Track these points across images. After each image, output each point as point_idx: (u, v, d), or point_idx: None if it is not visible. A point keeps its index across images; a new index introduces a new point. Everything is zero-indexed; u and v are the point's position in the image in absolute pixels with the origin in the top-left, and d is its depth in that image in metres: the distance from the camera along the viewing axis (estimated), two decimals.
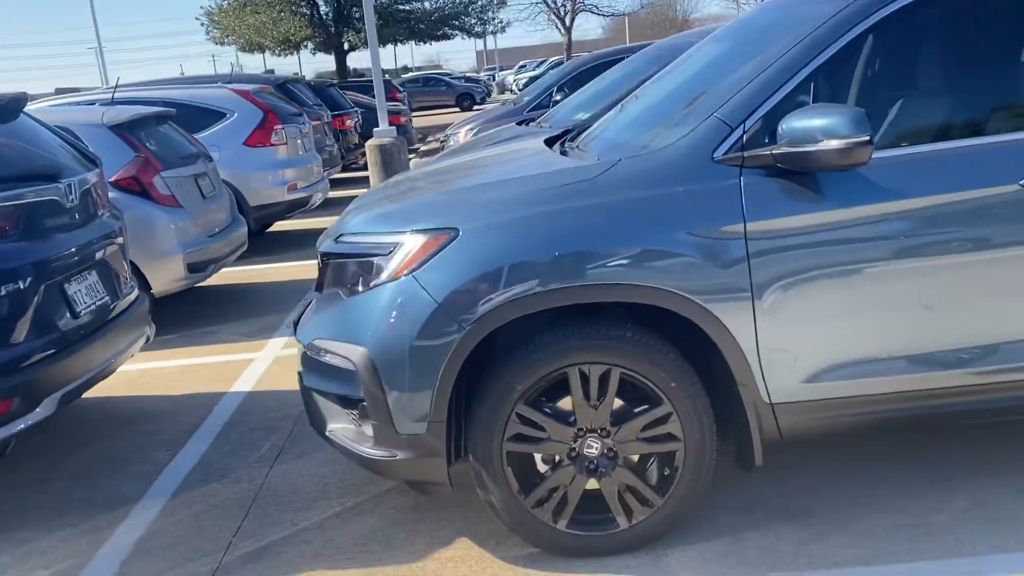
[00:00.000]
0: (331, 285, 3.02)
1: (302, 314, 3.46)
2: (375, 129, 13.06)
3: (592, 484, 2.75)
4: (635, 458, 2.77)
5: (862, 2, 2.66)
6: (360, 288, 2.83)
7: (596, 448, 2.73)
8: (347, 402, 2.90)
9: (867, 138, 2.36)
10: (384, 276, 2.73)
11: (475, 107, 35.77)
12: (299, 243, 8.95)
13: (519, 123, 6.69)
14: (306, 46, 28.23)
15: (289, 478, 3.59)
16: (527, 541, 2.85)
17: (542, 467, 2.80)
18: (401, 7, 27.29)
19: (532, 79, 38.84)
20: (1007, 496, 2.94)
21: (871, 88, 2.78)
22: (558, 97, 10.31)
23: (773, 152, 2.53)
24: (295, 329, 3.38)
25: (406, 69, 66.92)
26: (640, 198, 2.62)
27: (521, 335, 2.67)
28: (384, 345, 2.69)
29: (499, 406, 2.68)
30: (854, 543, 2.78)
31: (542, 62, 43.40)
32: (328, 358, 2.89)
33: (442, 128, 25.70)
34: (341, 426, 2.97)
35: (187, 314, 6.28)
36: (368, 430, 2.82)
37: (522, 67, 51.93)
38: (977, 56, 2.71)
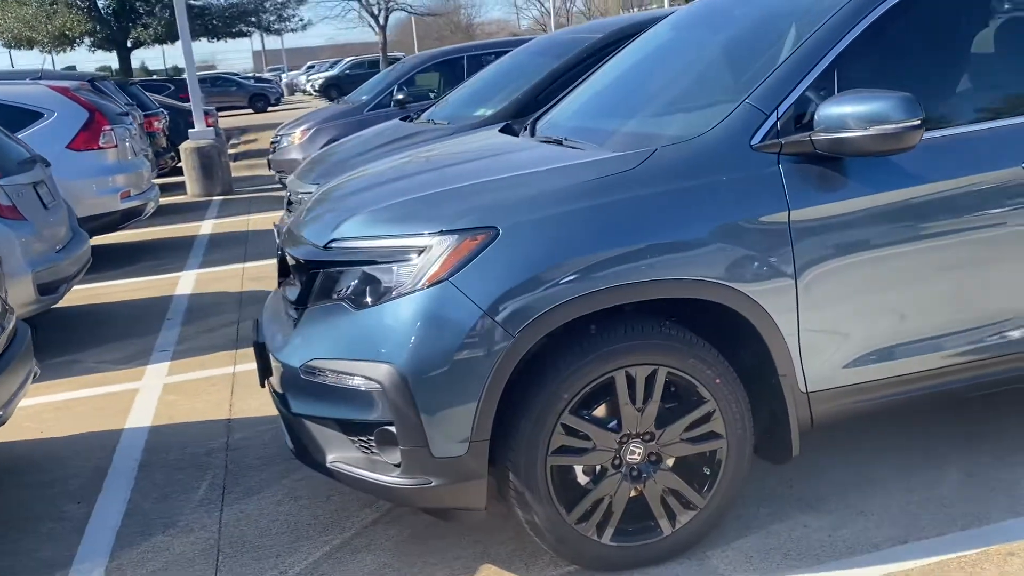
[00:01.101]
0: (325, 297, 2.67)
1: (262, 331, 3.07)
2: (191, 131, 12.17)
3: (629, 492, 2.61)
4: (676, 460, 2.65)
5: None
6: (373, 299, 2.52)
7: (639, 453, 2.58)
8: (358, 428, 2.57)
9: (919, 121, 2.39)
10: (411, 283, 2.44)
11: (269, 108, 34.31)
12: (134, 257, 8.10)
13: (403, 119, 6.38)
14: (82, 42, 25.65)
15: (250, 520, 3.15)
16: (569, 559, 2.65)
17: (582, 479, 2.61)
18: (193, 2, 25.50)
19: (330, 80, 37.94)
20: (993, 466, 3.11)
21: (897, 69, 2.83)
22: (399, 96, 10.05)
23: (813, 138, 2.50)
24: (260, 348, 2.98)
25: (177, 70, 62.97)
26: (686, 188, 2.51)
27: (564, 340, 2.47)
28: (419, 360, 2.39)
29: (545, 418, 2.47)
30: (880, 523, 2.82)
31: (336, 62, 42.38)
32: (334, 380, 2.54)
33: (242, 130, 24.49)
34: (347, 455, 2.63)
35: (37, 342, 5.44)
36: (392, 456, 2.51)
37: (311, 68, 50.49)
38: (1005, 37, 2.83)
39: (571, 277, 2.39)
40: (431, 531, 2.95)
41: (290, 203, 5.57)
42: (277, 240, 5.66)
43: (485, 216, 2.44)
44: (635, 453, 2.58)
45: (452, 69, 10.74)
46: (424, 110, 6.37)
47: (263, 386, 3.10)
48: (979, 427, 3.36)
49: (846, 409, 2.74)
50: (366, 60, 38.46)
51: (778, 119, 2.57)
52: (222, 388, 4.52)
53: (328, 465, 2.66)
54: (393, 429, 2.48)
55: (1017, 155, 2.69)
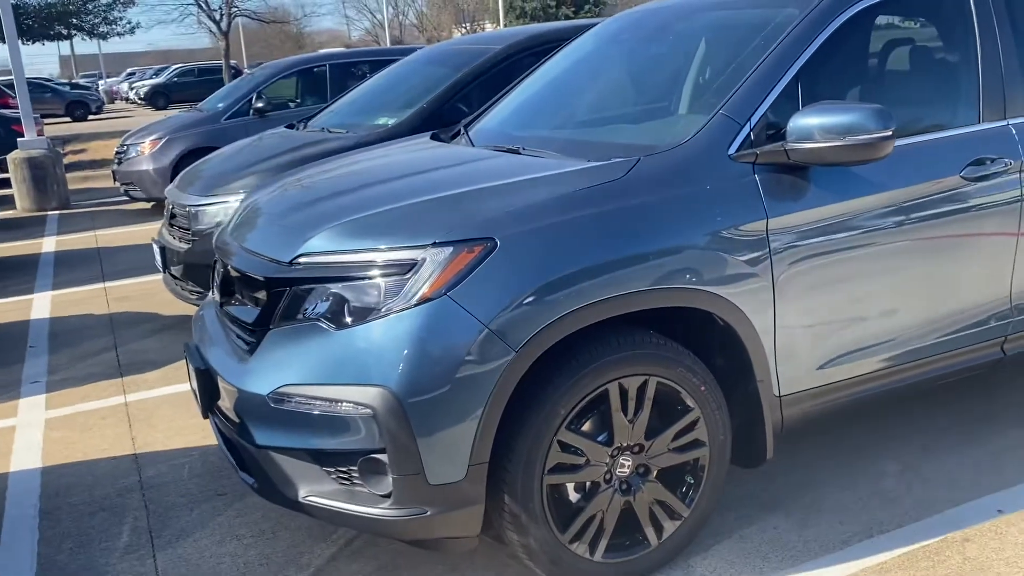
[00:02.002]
0: (292, 317, 2.46)
1: (203, 356, 2.81)
2: (21, 140, 11.17)
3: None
4: (662, 470, 2.63)
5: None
6: (356, 317, 2.35)
7: (628, 466, 2.55)
8: (337, 458, 2.38)
9: (891, 132, 2.49)
10: (404, 299, 2.29)
11: (90, 117, 31.98)
12: None
13: (286, 126, 6.07)
14: None
15: (191, 565, 2.86)
16: None
17: (573, 496, 2.54)
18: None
19: (157, 88, 35.83)
20: (922, 457, 3.30)
21: (853, 82, 2.95)
22: (260, 104, 9.62)
23: (787, 148, 2.56)
24: (204, 376, 2.72)
25: None
26: (675, 197, 2.50)
27: (560, 354, 2.40)
28: (415, 382, 2.25)
29: (542, 436, 2.38)
30: (842, 520, 2.91)
31: (161, 69, 40.08)
32: (311, 407, 2.35)
33: (65, 140, 22.65)
34: (323, 488, 2.43)
35: None
36: (380, 487, 2.34)
37: (131, 75, 47.55)
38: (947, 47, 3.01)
39: (571, 288, 2.32)
40: (400, 562, 2.79)
41: (174, 216, 5.17)
42: (157, 257, 5.25)
43: (481, 227, 2.33)
44: (624, 466, 2.54)
45: (313, 78, 10.41)
46: (308, 118, 6.09)
47: (207, 417, 2.83)
48: (896, 421, 3.56)
49: (814, 411, 2.83)
50: (196, 67, 36.63)
51: (751, 129, 2.62)
52: (116, 421, 4.11)
53: (301, 500, 2.45)
54: (382, 457, 2.31)
55: (956, 163, 2.88)
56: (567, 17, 52.40)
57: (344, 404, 2.31)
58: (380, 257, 2.36)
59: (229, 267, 2.81)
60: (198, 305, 4.98)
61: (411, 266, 2.31)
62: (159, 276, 5.44)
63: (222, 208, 4.84)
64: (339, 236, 2.47)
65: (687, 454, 2.62)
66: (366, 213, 2.54)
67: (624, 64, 3.48)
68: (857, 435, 3.47)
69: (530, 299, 2.29)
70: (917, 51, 3.06)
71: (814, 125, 2.52)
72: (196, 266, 4.90)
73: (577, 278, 2.33)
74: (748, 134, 2.61)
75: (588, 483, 2.52)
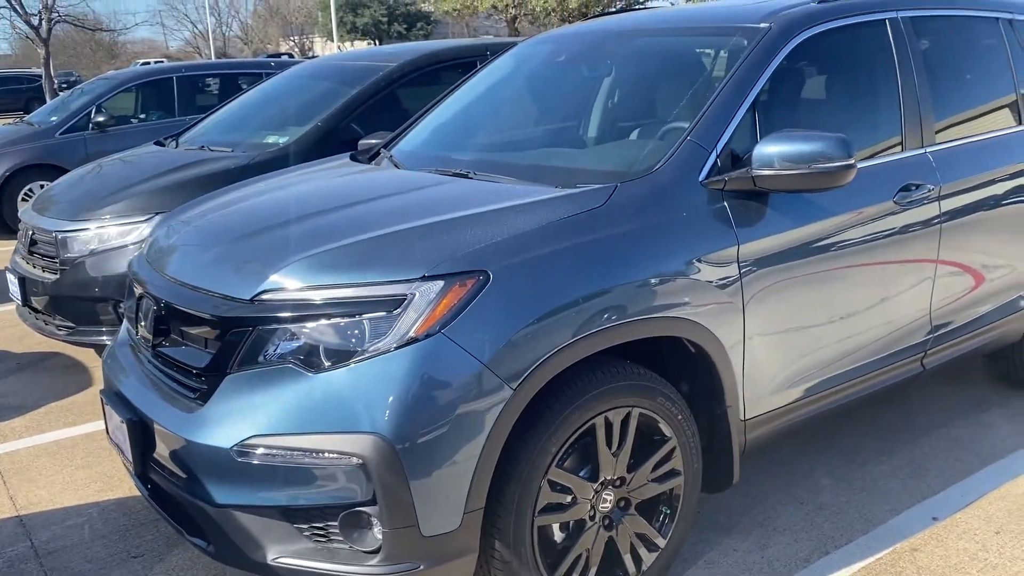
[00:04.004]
0: (253, 360, 2.22)
1: (133, 406, 2.50)
2: None
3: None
4: (641, 502, 2.58)
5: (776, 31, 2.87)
6: (335, 359, 2.15)
7: (610, 500, 2.48)
8: (312, 514, 2.17)
9: (852, 160, 2.56)
10: (393, 338, 2.11)
11: None
12: None
13: (156, 143, 5.59)
14: None
15: None
16: None
17: (558, 536, 2.43)
18: None
19: None
20: (849, 468, 3.43)
21: (805, 111, 3.02)
22: (100, 118, 8.93)
23: (754, 175, 2.58)
24: (139, 428, 2.43)
25: None
26: (656, 224, 2.46)
27: (549, 390, 2.29)
28: (410, 427, 2.08)
29: (534, 476, 2.27)
30: (796, 538, 2.97)
31: None
32: (286, 459, 2.13)
33: None
34: (295, 547, 2.21)
35: None
36: (367, 542, 2.15)
37: None
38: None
39: (567, 320, 2.23)
40: None
41: (34, 243, 4.63)
42: (14, 288, 4.69)
43: (472, 259, 2.19)
44: (607, 500, 2.47)
45: (159, 91, 9.74)
46: (177, 135, 5.65)
47: (139, 474, 2.51)
48: (817, 434, 3.69)
49: (772, 431, 2.87)
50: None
51: (718, 156, 2.62)
52: None
53: (270, 563, 2.21)
54: (368, 510, 2.13)
55: (890, 189, 3.02)
56: (399, 33, 52.42)
57: (327, 454, 2.10)
58: (362, 293, 2.17)
59: (161, 303, 2.51)
60: (67, 341, 4.53)
61: (399, 302, 2.14)
62: (8, 307, 4.87)
63: (96, 235, 4.38)
64: (311, 270, 2.26)
65: (664, 484, 2.58)
66: (337, 244, 2.33)
67: (560, 86, 3.43)
68: (787, 450, 3.57)
69: (526, 333, 2.17)
70: (851, 81, 3.19)
71: (779, 153, 2.56)
72: (65, 299, 4.42)
73: (572, 309, 2.25)
74: (716, 161, 2.61)
75: (572, 521, 2.43)
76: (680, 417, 2.56)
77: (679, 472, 2.60)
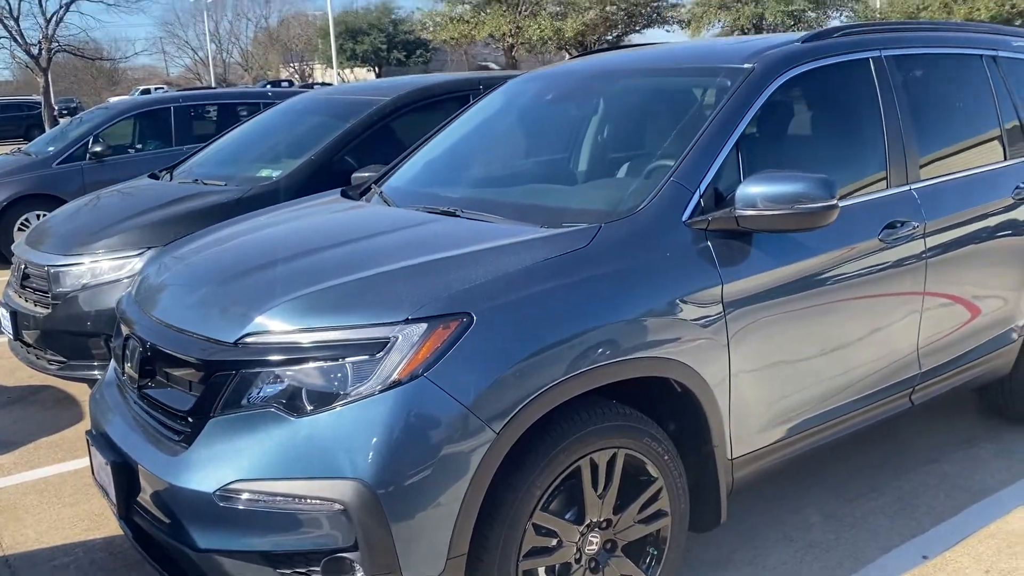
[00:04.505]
0: (236, 404, 2.22)
1: (118, 447, 2.50)
2: None
3: None
4: (627, 543, 2.57)
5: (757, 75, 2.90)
6: (317, 403, 2.15)
7: (597, 542, 2.47)
8: (296, 559, 2.16)
9: (836, 201, 2.58)
10: (376, 381, 2.12)
11: None
12: None
13: (150, 176, 5.61)
14: None
15: None
16: None
17: None
18: None
19: None
20: (840, 505, 3.42)
21: (788, 150, 3.04)
22: (97, 148, 8.98)
23: (737, 215, 2.60)
24: (123, 471, 2.42)
25: None
26: (640, 264, 2.48)
27: (534, 433, 2.29)
28: (393, 473, 2.08)
29: (519, 519, 2.27)
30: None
31: None
32: (268, 504, 2.12)
33: None
34: None
35: None
36: None
37: None
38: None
39: (550, 362, 2.24)
40: None
41: (27, 277, 4.64)
42: (5, 320, 4.69)
43: (455, 301, 2.20)
44: (593, 543, 2.46)
45: (156, 121, 9.80)
46: (171, 167, 5.68)
47: (123, 517, 2.50)
48: (806, 470, 3.67)
49: (761, 470, 2.86)
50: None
51: (701, 196, 2.64)
52: None
53: None
54: (351, 556, 2.12)
55: (875, 227, 3.03)
56: (399, 61, 52.83)
57: (309, 500, 2.10)
58: (345, 336, 2.18)
59: (147, 345, 2.51)
60: (59, 376, 4.53)
61: (382, 345, 2.15)
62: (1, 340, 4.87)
63: (88, 269, 4.40)
64: (294, 313, 2.27)
65: (651, 525, 2.57)
66: (321, 286, 2.34)
67: (547, 124, 3.46)
68: (775, 487, 3.56)
69: (510, 376, 2.18)
70: (836, 120, 3.22)
71: (762, 193, 2.57)
72: (57, 333, 4.42)
73: (555, 351, 2.25)
74: (699, 201, 2.63)
75: (558, 565, 2.42)
76: (667, 457, 2.56)
77: (666, 513, 2.59)
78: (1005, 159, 3.64)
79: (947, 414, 4.17)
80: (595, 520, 2.44)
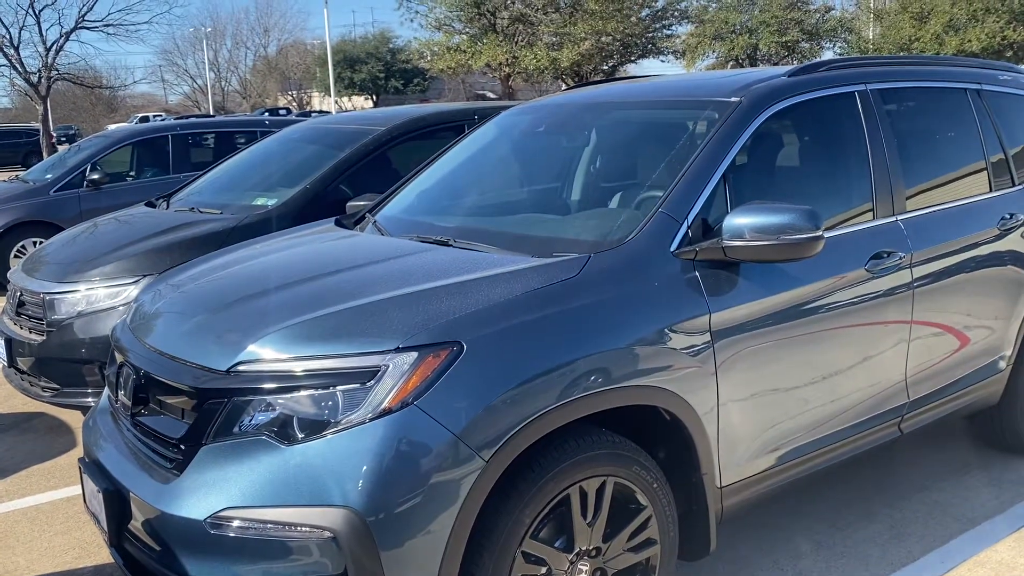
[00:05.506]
0: (227, 432, 2.24)
1: (110, 475, 2.51)
2: None
3: None
4: (616, 572, 2.57)
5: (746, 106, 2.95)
6: (308, 431, 2.17)
7: (586, 570, 2.48)
8: None
9: (821, 232, 2.62)
10: (366, 410, 2.14)
11: None
12: None
13: (147, 204, 5.65)
14: None
15: None
16: None
17: None
18: None
19: None
20: (830, 534, 3.43)
21: (775, 180, 3.09)
22: (95, 175, 9.03)
23: (724, 246, 2.64)
24: (113, 498, 2.43)
25: None
26: (628, 294, 2.51)
27: (523, 461, 2.31)
28: (382, 501, 2.09)
29: (508, 547, 2.28)
30: None
31: None
32: (258, 532, 2.14)
33: None
34: None
35: None
36: None
37: None
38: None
39: (539, 390, 2.27)
40: None
41: (22, 304, 4.66)
42: (0, 348, 4.70)
43: (445, 330, 2.23)
44: (582, 572, 2.47)
45: (153, 149, 9.87)
46: (168, 195, 5.72)
47: (114, 545, 2.50)
48: (801, 498, 3.69)
49: (750, 498, 2.88)
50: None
51: (688, 227, 2.68)
52: None
53: None
54: None
55: (861, 257, 3.07)
56: (396, 89, 53.25)
57: (300, 528, 2.11)
58: (336, 364, 2.20)
59: (141, 372, 2.54)
60: (52, 403, 4.53)
61: (372, 374, 2.17)
62: None
63: (84, 296, 4.42)
64: (285, 341, 2.29)
65: (641, 553, 2.58)
66: (313, 315, 2.37)
67: (540, 155, 3.51)
68: (766, 515, 3.57)
69: (499, 404, 2.20)
70: (822, 152, 3.28)
71: (749, 224, 2.61)
72: (51, 360, 4.43)
73: (544, 379, 2.28)
74: (687, 231, 2.67)
75: None
76: (656, 485, 2.57)
77: (655, 541, 2.60)
78: (990, 190, 3.70)
79: (939, 441, 4.19)
80: (584, 548, 2.45)
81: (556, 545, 2.40)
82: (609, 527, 2.50)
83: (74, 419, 4.98)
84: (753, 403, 2.78)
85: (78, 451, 4.52)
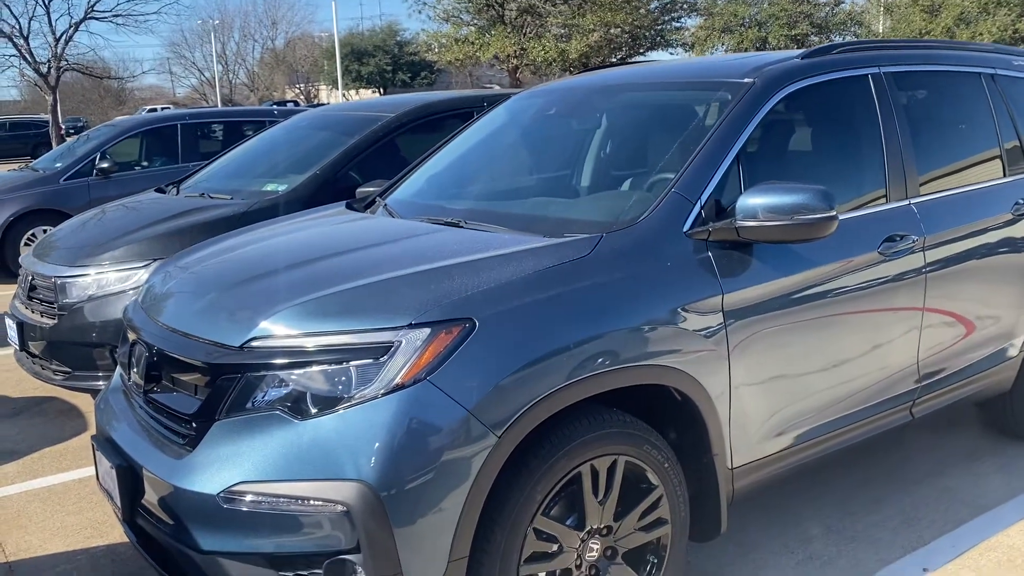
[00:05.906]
0: (241, 407, 2.25)
1: (123, 451, 2.52)
2: None
3: None
4: (627, 551, 2.58)
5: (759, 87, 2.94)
6: (321, 406, 2.18)
7: (597, 549, 2.48)
8: (299, 561, 2.18)
9: (834, 212, 2.61)
10: (379, 385, 2.14)
11: None
12: None
13: (157, 190, 5.67)
14: None
15: None
16: None
17: None
18: None
19: None
20: (841, 518, 3.43)
21: (786, 163, 3.08)
22: (104, 164, 9.05)
23: (737, 226, 2.63)
24: (127, 474, 2.44)
25: None
26: (640, 273, 2.50)
27: (535, 438, 2.31)
28: (395, 475, 2.10)
29: (520, 524, 2.29)
30: None
31: None
32: (271, 506, 2.14)
33: None
34: None
35: None
36: None
37: None
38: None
39: (551, 368, 2.27)
40: None
41: (34, 288, 4.67)
42: (12, 333, 4.73)
43: (458, 306, 2.23)
44: (593, 550, 2.47)
45: (163, 138, 9.89)
46: (178, 182, 5.73)
47: (127, 521, 2.52)
48: (811, 481, 3.69)
49: (762, 480, 2.87)
50: (6, 121, 33.96)
51: (702, 207, 2.68)
52: None
53: None
54: (353, 558, 2.13)
55: (874, 240, 3.06)
56: (403, 82, 53.18)
57: (313, 501, 2.12)
58: (350, 340, 2.21)
59: (154, 350, 2.54)
60: (64, 386, 4.55)
61: (385, 349, 2.18)
62: (5, 352, 4.90)
63: (95, 280, 4.43)
64: (299, 317, 2.30)
65: (652, 533, 2.58)
66: (326, 292, 2.37)
67: (551, 139, 3.51)
68: (777, 498, 3.57)
69: (511, 381, 2.20)
70: (835, 134, 3.26)
71: (762, 204, 2.61)
72: (63, 344, 4.45)
73: (556, 357, 2.28)
74: (700, 212, 2.67)
75: (559, 570, 2.43)
76: (667, 465, 2.57)
77: (666, 521, 2.60)
78: (1004, 175, 3.68)
79: (950, 428, 4.18)
80: (595, 526, 2.45)
81: (567, 523, 2.41)
82: (620, 506, 2.50)
83: (85, 402, 5.01)
84: (765, 384, 2.77)
85: (89, 433, 4.54)
